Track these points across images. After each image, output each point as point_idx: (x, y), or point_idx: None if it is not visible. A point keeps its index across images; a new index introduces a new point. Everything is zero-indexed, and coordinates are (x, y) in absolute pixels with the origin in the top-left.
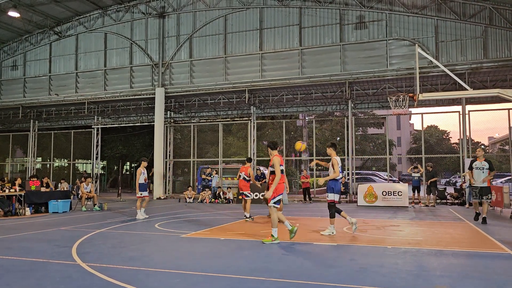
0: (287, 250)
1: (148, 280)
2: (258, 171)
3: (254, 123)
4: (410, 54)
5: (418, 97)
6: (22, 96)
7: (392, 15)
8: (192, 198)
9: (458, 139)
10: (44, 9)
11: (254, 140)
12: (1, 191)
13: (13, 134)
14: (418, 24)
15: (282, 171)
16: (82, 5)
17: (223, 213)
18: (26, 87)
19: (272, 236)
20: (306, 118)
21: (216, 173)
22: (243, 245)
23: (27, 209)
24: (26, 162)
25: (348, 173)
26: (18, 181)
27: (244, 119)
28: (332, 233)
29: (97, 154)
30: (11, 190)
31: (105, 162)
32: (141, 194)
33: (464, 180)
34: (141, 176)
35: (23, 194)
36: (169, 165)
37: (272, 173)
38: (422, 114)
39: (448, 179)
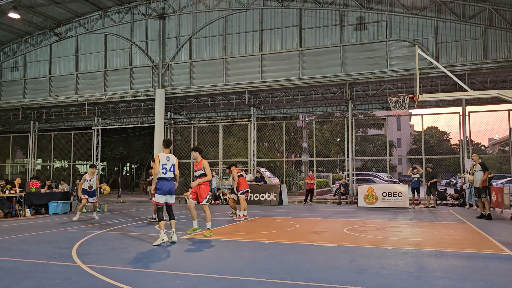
0: (287, 251)
1: (148, 281)
2: (257, 173)
3: (254, 124)
4: (410, 55)
5: (418, 98)
6: (22, 97)
7: (392, 16)
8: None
9: (458, 140)
10: (44, 10)
11: (254, 141)
12: (1, 193)
13: (13, 135)
14: (418, 25)
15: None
16: (82, 7)
17: (223, 214)
18: (26, 88)
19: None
20: (306, 119)
21: (216, 175)
22: (243, 246)
23: (27, 210)
24: (26, 163)
25: (348, 174)
26: (17, 180)
27: (244, 120)
28: (163, 240)
29: (97, 155)
30: (11, 191)
31: (105, 163)
32: (84, 196)
33: (464, 181)
34: (85, 182)
35: (23, 195)
36: None
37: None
38: (422, 115)
39: (448, 180)
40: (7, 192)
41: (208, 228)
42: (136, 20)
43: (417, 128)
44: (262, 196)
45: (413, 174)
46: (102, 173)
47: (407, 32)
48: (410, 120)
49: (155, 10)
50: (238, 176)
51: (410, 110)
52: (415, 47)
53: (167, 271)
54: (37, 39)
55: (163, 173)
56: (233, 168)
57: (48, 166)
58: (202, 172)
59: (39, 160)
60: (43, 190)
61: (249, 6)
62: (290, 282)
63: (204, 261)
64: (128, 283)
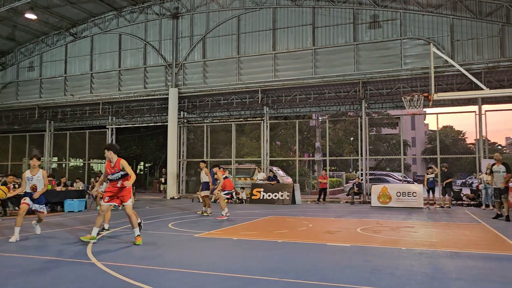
0: (300, 251)
1: (161, 279)
2: (270, 172)
3: (267, 123)
4: (425, 54)
5: (433, 97)
6: (39, 96)
7: (406, 14)
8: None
9: (474, 140)
10: (60, 11)
11: (267, 140)
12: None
13: (29, 134)
14: (433, 23)
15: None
16: (97, 7)
17: (236, 213)
18: (42, 87)
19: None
20: (319, 118)
21: (229, 173)
22: (256, 246)
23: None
24: (42, 162)
25: (361, 174)
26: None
27: (257, 119)
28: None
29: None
30: None
31: None
32: (24, 199)
33: (481, 181)
34: (27, 182)
35: None
36: (183, 165)
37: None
38: (437, 114)
39: (464, 180)
40: None
41: (138, 235)
42: (150, 20)
43: (432, 127)
44: (275, 195)
45: (428, 174)
46: None
47: (422, 30)
48: (424, 119)
49: (168, 9)
50: (224, 178)
51: (424, 109)
52: (430, 45)
53: (180, 269)
54: (53, 39)
55: None
56: (216, 169)
57: (64, 165)
58: (124, 173)
59: (55, 159)
60: (58, 188)
61: (262, 5)
62: (303, 282)
63: (216, 260)
64: (141, 280)
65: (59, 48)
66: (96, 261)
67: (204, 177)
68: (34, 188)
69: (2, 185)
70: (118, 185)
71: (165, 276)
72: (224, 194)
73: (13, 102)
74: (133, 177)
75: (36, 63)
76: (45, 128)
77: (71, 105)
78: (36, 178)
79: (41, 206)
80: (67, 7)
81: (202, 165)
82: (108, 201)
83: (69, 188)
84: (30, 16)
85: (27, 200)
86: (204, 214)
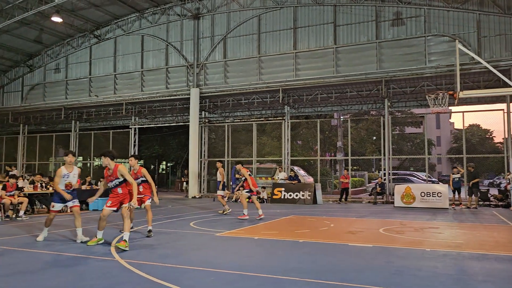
0: (322, 251)
1: (183, 277)
2: (291, 171)
3: (288, 122)
4: (450, 51)
5: (458, 95)
6: (65, 97)
7: (431, 10)
8: (226, 198)
9: (503, 139)
10: (85, 13)
11: (288, 139)
12: (45, 189)
13: (56, 134)
14: (458, 19)
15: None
16: (120, 9)
17: (256, 212)
18: (68, 89)
19: (96, 237)
20: (341, 117)
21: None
22: (277, 245)
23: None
24: None
25: (384, 173)
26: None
27: (278, 118)
28: None
29: (134, 153)
30: None
31: (142, 162)
32: (52, 206)
33: (509, 182)
34: (61, 179)
35: None
36: (204, 164)
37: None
38: (463, 112)
39: (491, 180)
40: (50, 188)
41: (124, 240)
42: (171, 21)
43: (458, 126)
44: (296, 195)
45: (453, 174)
46: None
47: (447, 27)
48: (450, 118)
49: (190, 10)
50: (249, 176)
51: (450, 108)
52: (456, 42)
53: (201, 268)
54: (78, 41)
55: None
56: (239, 166)
57: (88, 164)
58: (121, 180)
59: (80, 158)
60: (83, 187)
61: (283, 4)
62: (324, 282)
63: (238, 259)
64: (164, 278)
65: (84, 50)
66: (119, 258)
67: (219, 176)
68: (68, 186)
69: (30, 183)
70: (119, 191)
71: (186, 274)
72: (246, 192)
73: (40, 103)
74: (135, 185)
75: (62, 65)
76: (71, 128)
77: (96, 106)
78: (72, 175)
79: (74, 200)
80: (91, 10)
81: (218, 164)
82: (110, 206)
83: (94, 187)
84: (56, 19)
85: (55, 207)
86: (225, 213)
